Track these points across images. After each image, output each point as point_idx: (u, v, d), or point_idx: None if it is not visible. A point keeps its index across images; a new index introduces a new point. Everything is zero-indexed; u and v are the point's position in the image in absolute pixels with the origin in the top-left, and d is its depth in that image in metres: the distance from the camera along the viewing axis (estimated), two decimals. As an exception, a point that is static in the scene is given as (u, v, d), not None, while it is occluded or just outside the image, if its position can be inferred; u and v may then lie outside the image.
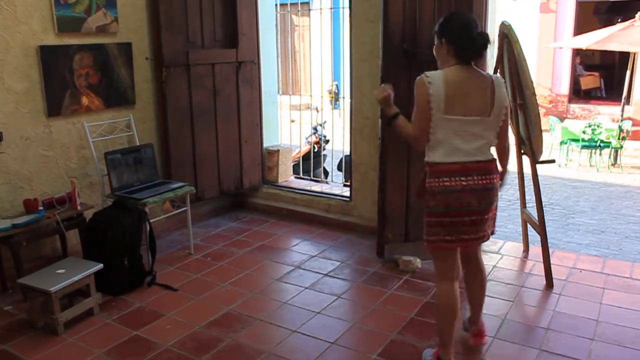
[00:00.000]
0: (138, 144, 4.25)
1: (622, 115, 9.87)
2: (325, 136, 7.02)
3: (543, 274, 3.64)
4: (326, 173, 7.21)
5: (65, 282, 3.11)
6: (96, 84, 4.05)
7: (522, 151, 3.88)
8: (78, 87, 3.94)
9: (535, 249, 4.04)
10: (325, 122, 7.12)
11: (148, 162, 4.19)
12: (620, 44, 8.95)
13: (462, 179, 2.49)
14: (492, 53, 3.77)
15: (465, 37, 2.49)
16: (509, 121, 2.62)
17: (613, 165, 9.38)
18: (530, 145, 3.57)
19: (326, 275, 3.85)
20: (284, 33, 7.56)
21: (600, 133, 9.12)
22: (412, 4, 3.69)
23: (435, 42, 2.61)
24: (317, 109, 7.24)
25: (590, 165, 9.37)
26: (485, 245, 3.92)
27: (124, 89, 4.25)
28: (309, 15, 10.30)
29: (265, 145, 5.36)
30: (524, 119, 3.63)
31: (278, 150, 5.34)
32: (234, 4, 4.78)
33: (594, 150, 9.33)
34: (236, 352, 2.92)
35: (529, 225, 4.08)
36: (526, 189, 4.13)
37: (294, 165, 5.71)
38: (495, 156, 2.61)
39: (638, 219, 6.65)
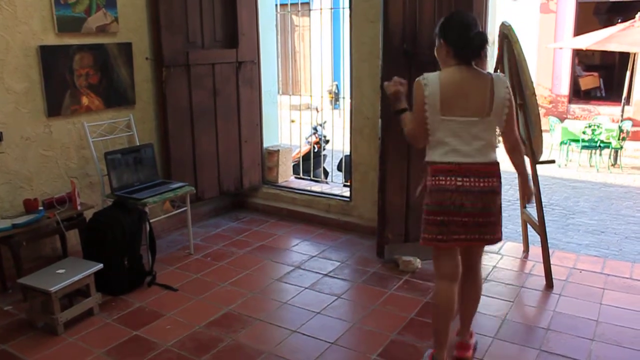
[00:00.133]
0: (138, 144, 4.25)
1: (622, 115, 9.87)
2: (325, 136, 7.02)
3: (543, 274, 3.64)
4: (326, 173, 7.21)
5: (65, 282, 3.11)
6: (96, 84, 4.05)
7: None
8: (78, 87, 3.94)
9: (535, 249, 4.04)
10: (325, 122, 7.12)
11: (148, 162, 4.19)
12: (620, 44, 8.95)
13: (458, 179, 2.49)
14: (492, 53, 3.77)
15: (463, 37, 2.49)
16: (515, 116, 2.57)
17: (613, 165, 9.38)
18: (530, 146, 3.57)
19: (326, 275, 3.85)
20: (284, 33, 7.56)
21: (600, 133, 9.12)
22: (412, 5, 3.69)
23: (436, 43, 2.61)
24: (317, 109, 7.24)
25: (590, 166, 9.37)
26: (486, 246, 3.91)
27: (124, 89, 4.25)
28: (309, 16, 10.30)
29: (265, 145, 5.36)
30: (524, 119, 3.63)
31: (278, 151, 5.34)
32: (234, 4, 4.78)
33: (594, 151, 9.33)
34: (236, 352, 2.92)
35: (529, 226, 4.08)
36: (526, 189, 4.12)
37: (294, 166, 5.71)
38: (499, 159, 2.57)
39: (638, 220, 6.65)
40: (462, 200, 2.49)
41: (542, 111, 8.11)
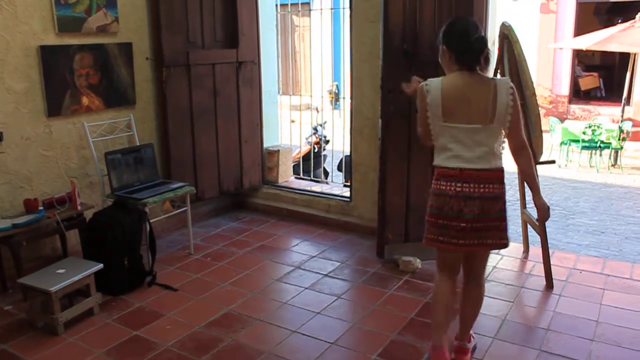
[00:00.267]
0: (138, 144, 4.25)
1: (622, 116, 9.87)
2: (325, 136, 7.02)
3: (543, 274, 3.64)
4: (326, 173, 7.21)
5: (65, 282, 3.11)
6: (96, 84, 4.05)
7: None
8: (78, 87, 3.94)
9: (535, 250, 4.04)
10: (325, 122, 7.12)
11: (148, 162, 4.19)
12: (620, 44, 8.95)
13: (458, 184, 2.52)
14: (492, 54, 3.77)
15: (464, 43, 2.50)
16: (519, 121, 2.53)
17: (613, 166, 9.37)
18: (531, 146, 3.57)
19: (326, 275, 3.85)
20: (284, 33, 7.57)
21: (600, 134, 9.12)
22: (413, 5, 3.69)
23: (439, 50, 2.63)
24: (317, 109, 7.24)
25: (591, 166, 9.37)
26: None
27: (124, 89, 4.25)
28: (309, 16, 10.30)
29: (265, 145, 5.36)
30: (524, 119, 3.63)
31: (278, 151, 5.34)
32: (235, 4, 4.78)
33: (594, 151, 9.32)
34: (236, 352, 2.92)
35: (529, 226, 4.08)
36: (526, 190, 4.10)
37: (294, 166, 5.71)
38: (501, 165, 2.57)
39: (638, 220, 6.65)
40: (461, 206, 2.52)
41: (542, 111, 8.10)
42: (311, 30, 7.33)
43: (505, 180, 2.65)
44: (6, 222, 3.41)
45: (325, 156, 7.16)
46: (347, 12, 4.50)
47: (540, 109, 3.67)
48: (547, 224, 3.65)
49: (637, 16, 9.37)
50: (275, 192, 5.29)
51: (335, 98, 10.61)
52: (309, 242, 4.49)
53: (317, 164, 6.74)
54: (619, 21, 10.41)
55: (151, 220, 3.83)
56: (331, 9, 7.74)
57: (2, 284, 3.58)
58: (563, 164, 9.47)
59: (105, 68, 4.09)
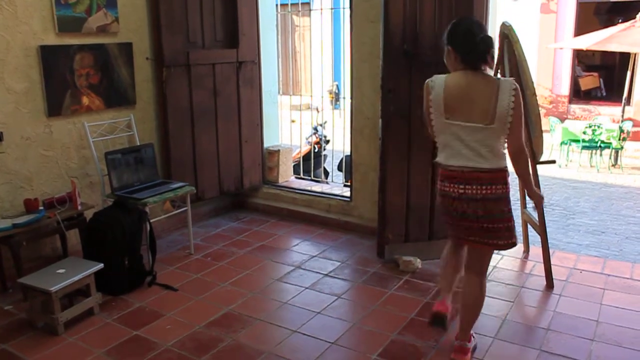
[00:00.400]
0: (138, 143, 4.25)
1: (622, 115, 9.86)
2: (325, 136, 7.02)
3: (543, 274, 3.64)
4: (326, 173, 7.21)
5: (65, 282, 3.11)
6: (97, 84, 4.05)
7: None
8: (78, 87, 3.94)
9: (536, 250, 4.04)
10: (325, 122, 7.12)
11: (148, 162, 4.19)
12: (620, 44, 8.94)
13: (461, 187, 2.56)
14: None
15: (469, 43, 2.51)
16: (520, 124, 2.54)
17: (613, 166, 9.37)
18: (531, 146, 3.57)
19: (326, 275, 3.85)
20: (284, 33, 7.57)
21: (600, 134, 9.11)
22: (413, 5, 3.68)
23: (444, 50, 2.64)
24: (317, 109, 7.24)
25: (591, 166, 9.36)
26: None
27: (125, 89, 4.26)
28: (309, 16, 10.30)
29: (265, 145, 5.36)
30: (524, 119, 3.63)
31: (278, 151, 5.34)
32: (235, 4, 4.78)
33: (594, 151, 9.32)
34: (236, 352, 2.92)
35: (529, 226, 4.08)
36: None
37: (294, 166, 5.71)
38: (504, 164, 2.58)
39: (638, 220, 6.65)
40: (464, 207, 2.57)
41: (542, 111, 8.10)
42: (311, 30, 7.33)
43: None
44: (6, 222, 3.41)
45: (325, 156, 7.16)
46: (347, 12, 4.50)
47: (540, 108, 3.67)
48: (547, 224, 3.66)
49: (638, 16, 9.36)
50: (275, 192, 5.29)
51: (336, 98, 10.62)
52: (309, 242, 4.49)
53: (318, 163, 6.74)
54: (619, 21, 10.40)
55: (151, 220, 3.83)
56: (331, 9, 7.73)
57: (2, 283, 3.58)
58: (563, 164, 9.47)
59: (106, 68, 4.09)
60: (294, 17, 11.60)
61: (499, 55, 3.83)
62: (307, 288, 3.65)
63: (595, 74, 13.38)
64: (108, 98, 4.14)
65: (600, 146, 9.16)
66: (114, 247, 3.50)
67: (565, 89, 12.55)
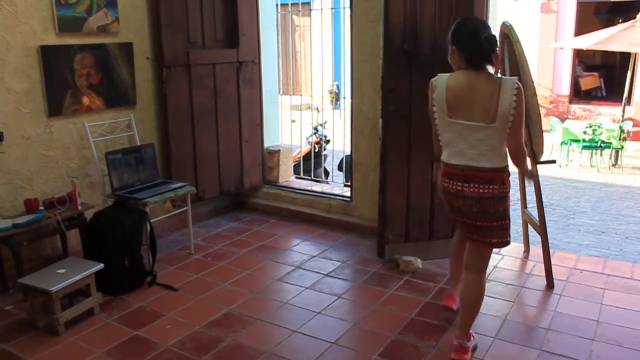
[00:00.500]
0: (139, 143, 4.25)
1: (622, 115, 9.86)
2: (325, 136, 7.02)
3: (544, 274, 3.64)
4: (327, 173, 7.21)
5: (65, 282, 3.11)
6: (97, 84, 4.05)
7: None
8: (79, 87, 3.94)
9: (536, 250, 4.04)
10: (325, 122, 7.12)
11: (149, 162, 4.19)
12: (620, 44, 8.94)
13: (459, 184, 2.62)
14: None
15: (473, 43, 2.53)
16: (521, 124, 2.56)
17: (614, 165, 9.37)
18: (531, 146, 3.57)
19: (327, 275, 3.85)
20: (284, 33, 7.57)
21: (601, 133, 9.11)
22: (413, 5, 3.68)
23: (448, 50, 2.65)
24: (317, 109, 7.24)
25: (591, 166, 9.36)
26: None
27: (125, 89, 4.26)
28: (309, 16, 10.29)
29: (265, 145, 5.36)
30: (525, 119, 3.62)
31: (279, 150, 5.34)
32: (235, 4, 4.78)
33: (594, 151, 9.32)
34: (236, 352, 2.92)
35: (529, 226, 4.08)
36: (527, 190, 4.12)
37: (294, 166, 5.71)
38: (504, 164, 2.61)
39: (639, 220, 6.65)
40: (460, 204, 2.66)
41: (542, 111, 8.10)
42: (312, 30, 7.33)
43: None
44: (7, 222, 3.41)
45: (325, 156, 7.16)
46: (348, 12, 4.50)
47: (540, 108, 3.67)
48: (547, 224, 3.66)
49: (638, 16, 9.36)
50: (275, 192, 5.29)
51: (336, 98, 10.62)
52: (309, 241, 4.49)
53: (318, 163, 6.74)
54: (620, 21, 10.41)
55: (152, 220, 3.83)
56: (332, 8, 7.74)
57: (2, 283, 3.58)
58: (564, 163, 9.47)
59: (106, 68, 4.09)
60: (294, 17, 11.60)
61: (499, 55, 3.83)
62: (307, 288, 3.65)
63: (596, 73, 13.38)
64: (108, 98, 4.14)
65: (600, 146, 9.16)
66: (115, 247, 3.51)
67: (565, 88, 12.55)
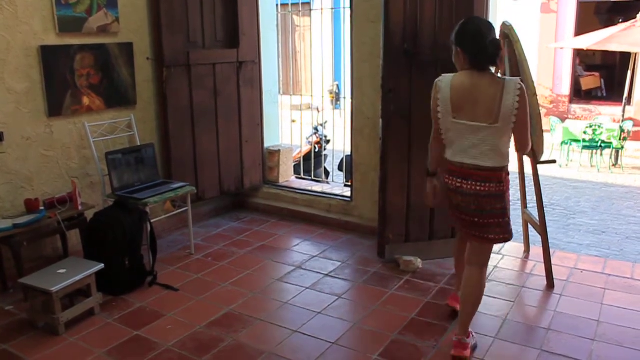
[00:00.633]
0: (139, 144, 4.25)
1: (623, 115, 9.86)
2: (326, 136, 7.03)
3: (544, 274, 3.64)
4: (327, 173, 7.22)
5: (66, 282, 3.11)
6: (97, 84, 4.05)
7: (523, 151, 3.88)
8: (79, 87, 3.94)
9: (536, 250, 4.04)
10: (326, 122, 7.13)
11: (149, 162, 4.19)
12: (620, 44, 8.95)
13: (458, 180, 2.67)
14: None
15: (478, 45, 2.54)
16: (525, 123, 2.61)
17: (614, 165, 9.37)
18: (532, 146, 3.57)
19: (327, 275, 3.85)
20: (285, 33, 7.57)
21: (601, 133, 9.11)
22: (413, 5, 3.68)
23: (452, 50, 2.66)
24: (318, 109, 7.25)
25: (591, 166, 9.36)
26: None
27: (125, 89, 4.26)
28: (310, 16, 10.30)
29: (266, 145, 5.36)
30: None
31: (279, 151, 5.34)
32: (235, 4, 4.78)
33: (594, 151, 9.32)
34: (237, 352, 2.92)
35: (529, 226, 4.08)
36: (527, 190, 4.12)
37: (294, 166, 5.71)
38: (504, 163, 2.64)
39: (639, 220, 6.65)
40: (458, 200, 2.70)
41: (543, 111, 8.11)
42: (312, 30, 7.33)
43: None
44: (7, 222, 3.41)
45: (326, 156, 7.16)
46: (348, 12, 4.50)
47: (541, 108, 3.67)
48: (547, 223, 3.65)
49: (638, 16, 9.36)
50: (276, 192, 5.29)
51: (336, 98, 10.63)
52: (309, 242, 4.49)
53: (318, 163, 6.74)
54: (620, 21, 10.41)
55: (152, 220, 3.83)
56: (332, 8, 7.75)
57: (3, 284, 3.59)
58: (564, 163, 9.47)
59: (106, 68, 4.09)
60: (295, 17, 11.59)
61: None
62: (307, 288, 3.65)
63: (597, 73, 13.38)
64: (108, 98, 4.14)
65: (600, 146, 9.16)
66: (115, 247, 3.51)
67: (565, 88, 12.55)
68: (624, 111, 9.97)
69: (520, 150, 2.75)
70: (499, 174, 2.61)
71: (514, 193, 2.84)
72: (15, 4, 3.55)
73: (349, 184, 4.84)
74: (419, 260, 3.90)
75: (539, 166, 3.61)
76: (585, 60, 13.67)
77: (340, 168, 6.97)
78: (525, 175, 4.02)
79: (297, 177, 5.64)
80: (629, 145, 9.81)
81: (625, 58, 10.98)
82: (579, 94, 12.98)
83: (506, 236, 2.73)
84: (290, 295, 3.56)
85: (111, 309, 3.39)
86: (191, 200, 4.20)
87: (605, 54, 12.01)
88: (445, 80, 2.63)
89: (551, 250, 3.71)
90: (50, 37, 3.76)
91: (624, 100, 9.99)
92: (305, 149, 6.70)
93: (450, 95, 2.59)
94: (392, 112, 3.78)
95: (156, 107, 4.51)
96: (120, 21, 4.15)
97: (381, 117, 3.83)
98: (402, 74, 3.74)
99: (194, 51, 4.54)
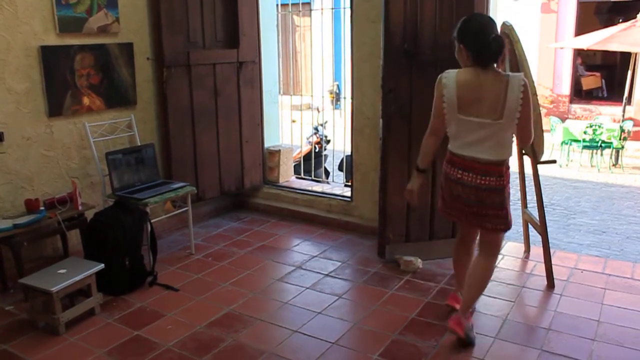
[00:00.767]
0: (139, 144, 4.25)
1: (623, 115, 9.86)
2: (326, 136, 7.03)
3: (544, 274, 3.64)
4: (327, 173, 7.22)
5: (66, 282, 3.11)
6: (97, 84, 4.05)
7: (523, 151, 3.88)
8: (79, 87, 3.94)
9: (536, 250, 4.04)
10: (326, 122, 7.13)
11: (149, 162, 4.19)
12: (621, 44, 8.95)
13: (459, 171, 2.70)
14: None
15: (481, 42, 2.55)
16: (529, 118, 2.66)
17: (614, 165, 9.37)
18: (532, 146, 3.57)
19: (327, 275, 3.85)
20: (285, 33, 7.57)
21: (601, 133, 9.11)
22: (413, 4, 3.68)
23: (455, 47, 2.67)
24: (318, 109, 7.25)
25: (592, 166, 9.36)
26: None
27: (125, 89, 4.26)
28: (310, 16, 10.30)
29: (266, 145, 5.36)
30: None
31: (279, 151, 5.34)
32: (235, 4, 4.78)
33: (595, 151, 9.32)
34: (237, 352, 2.92)
35: (530, 226, 4.08)
36: (527, 189, 4.12)
37: (295, 166, 5.71)
38: (505, 157, 2.68)
39: (639, 220, 6.65)
40: (459, 191, 2.73)
41: (543, 111, 8.10)
42: (312, 30, 7.33)
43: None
44: (7, 222, 3.41)
45: (326, 156, 7.16)
46: (348, 12, 4.50)
47: (541, 108, 3.68)
48: (548, 223, 3.65)
49: (638, 16, 9.36)
50: (276, 192, 5.29)
51: (336, 98, 10.63)
52: (309, 242, 4.49)
53: (318, 163, 6.74)
54: (620, 21, 10.41)
55: (152, 221, 3.83)
56: (332, 8, 7.75)
57: (3, 284, 3.59)
58: (564, 163, 9.47)
59: (106, 68, 4.09)
60: (295, 17, 11.59)
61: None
62: (307, 288, 3.65)
63: (597, 73, 13.38)
64: (109, 98, 4.14)
65: (601, 146, 9.16)
66: (115, 247, 3.51)
67: (566, 88, 12.55)
68: (624, 111, 9.97)
69: (522, 144, 2.78)
70: (500, 168, 2.65)
71: (514, 193, 2.85)
72: (15, 4, 3.56)
73: (349, 184, 4.84)
74: (419, 260, 3.90)
75: (539, 166, 3.61)
76: (585, 60, 13.67)
77: (340, 168, 6.98)
78: (526, 175, 4.02)
79: (297, 177, 5.64)
80: (629, 145, 9.81)
81: (625, 58, 10.98)
82: (579, 94, 12.98)
83: (503, 227, 2.77)
84: (290, 295, 3.56)
85: (111, 309, 3.39)
86: (191, 200, 4.20)
87: (606, 54, 12.01)
88: (449, 77, 2.64)
89: (551, 250, 3.71)
90: (51, 37, 3.76)
91: (624, 100, 9.99)
92: (306, 149, 6.71)
93: (456, 92, 2.61)
94: (392, 112, 3.78)
95: (156, 107, 4.51)
96: (121, 21, 4.15)
97: (381, 117, 3.83)
98: (402, 74, 3.74)
99: (194, 51, 4.54)
